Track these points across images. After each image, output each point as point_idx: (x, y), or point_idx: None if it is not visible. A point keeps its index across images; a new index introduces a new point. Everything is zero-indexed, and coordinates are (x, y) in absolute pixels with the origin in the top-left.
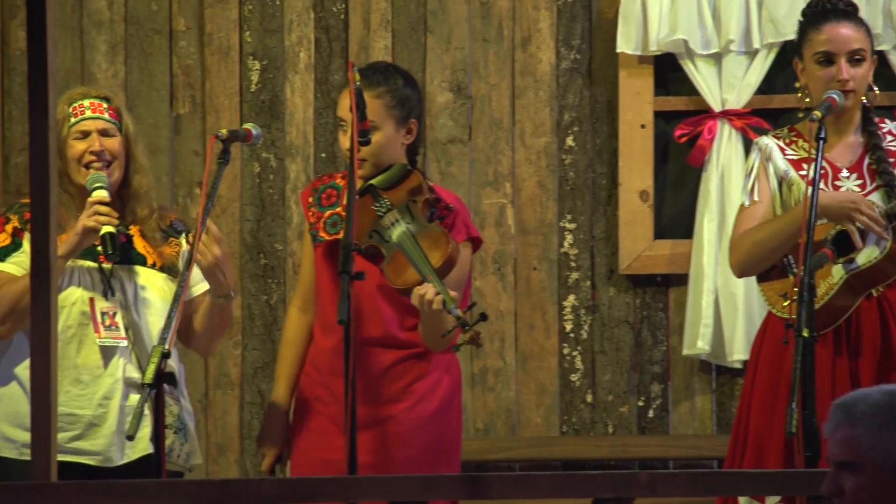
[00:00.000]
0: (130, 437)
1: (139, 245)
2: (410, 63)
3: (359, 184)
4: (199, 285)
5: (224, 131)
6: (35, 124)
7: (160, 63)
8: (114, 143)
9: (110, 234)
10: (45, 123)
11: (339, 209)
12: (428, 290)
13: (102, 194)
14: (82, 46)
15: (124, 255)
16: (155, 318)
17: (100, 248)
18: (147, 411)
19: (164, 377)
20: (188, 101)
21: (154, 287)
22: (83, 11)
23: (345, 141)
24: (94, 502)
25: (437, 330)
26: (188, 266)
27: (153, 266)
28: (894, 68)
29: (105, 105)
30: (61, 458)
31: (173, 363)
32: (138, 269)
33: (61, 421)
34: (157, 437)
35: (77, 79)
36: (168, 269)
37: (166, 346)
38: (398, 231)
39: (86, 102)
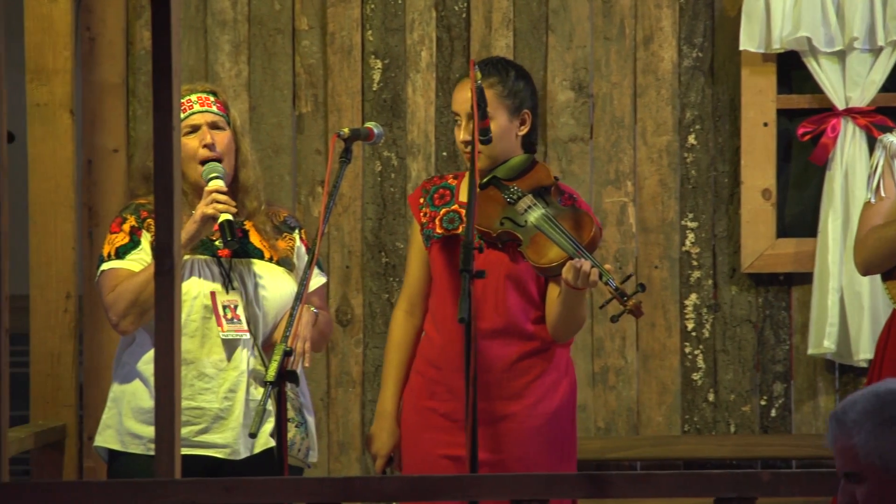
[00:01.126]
0: (253, 435)
1: (255, 239)
2: (532, 61)
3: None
4: (314, 280)
5: (346, 130)
6: (160, 124)
7: (283, 62)
8: (223, 137)
9: (228, 221)
10: (169, 123)
11: (455, 206)
12: (584, 263)
13: (219, 184)
14: (206, 46)
15: (242, 247)
16: (274, 311)
17: (218, 241)
18: (270, 406)
19: (286, 375)
20: (310, 101)
21: (273, 280)
22: (207, 11)
23: (459, 134)
24: (217, 499)
25: (577, 311)
26: (310, 264)
27: (270, 260)
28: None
29: (212, 98)
30: (188, 451)
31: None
32: (256, 262)
33: (188, 415)
34: (280, 434)
35: (201, 78)
36: (284, 262)
37: (288, 344)
38: (535, 214)
39: (193, 97)
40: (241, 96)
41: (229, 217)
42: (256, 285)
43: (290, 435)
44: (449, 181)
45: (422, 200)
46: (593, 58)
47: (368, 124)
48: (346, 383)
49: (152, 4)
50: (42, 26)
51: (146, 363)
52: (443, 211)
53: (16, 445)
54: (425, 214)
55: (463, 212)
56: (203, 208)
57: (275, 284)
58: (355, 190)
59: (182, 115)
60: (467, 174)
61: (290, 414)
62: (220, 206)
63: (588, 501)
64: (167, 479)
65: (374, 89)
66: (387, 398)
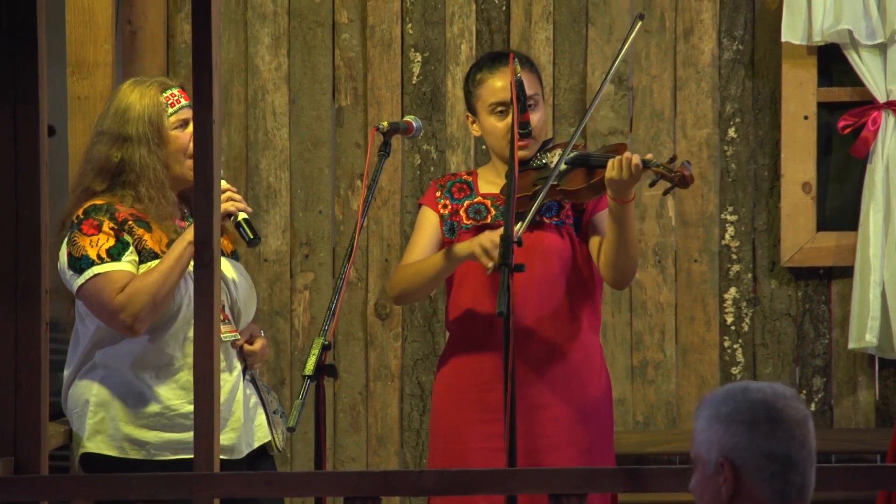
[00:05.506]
0: (291, 429)
1: None
2: (572, 54)
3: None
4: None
5: (385, 123)
6: (199, 116)
7: (323, 55)
8: None
9: (246, 219)
10: (209, 116)
11: (478, 198)
12: (626, 153)
13: (226, 184)
14: (246, 39)
15: None
16: (249, 306)
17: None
18: (255, 398)
19: (324, 369)
20: (350, 94)
21: (238, 276)
22: (247, 4)
23: (508, 124)
24: (257, 492)
25: (628, 233)
26: (348, 259)
27: (226, 255)
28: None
29: (180, 91)
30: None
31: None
32: (225, 262)
33: (192, 419)
34: (318, 429)
35: (241, 71)
36: (235, 255)
37: (326, 338)
38: (568, 157)
39: (175, 91)
40: (281, 89)
41: (246, 216)
42: (233, 283)
43: (279, 430)
44: (463, 177)
45: (438, 194)
46: (633, 51)
47: (408, 118)
48: (385, 377)
49: None
50: (83, 20)
51: (144, 367)
52: (466, 203)
53: (56, 439)
54: (445, 206)
55: (488, 202)
56: (223, 205)
57: (241, 279)
58: (394, 183)
59: (171, 109)
60: (480, 171)
61: (275, 406)
62: (238, 205)
63: (627, 495)
64: (207, 472)
65: (414, 82)
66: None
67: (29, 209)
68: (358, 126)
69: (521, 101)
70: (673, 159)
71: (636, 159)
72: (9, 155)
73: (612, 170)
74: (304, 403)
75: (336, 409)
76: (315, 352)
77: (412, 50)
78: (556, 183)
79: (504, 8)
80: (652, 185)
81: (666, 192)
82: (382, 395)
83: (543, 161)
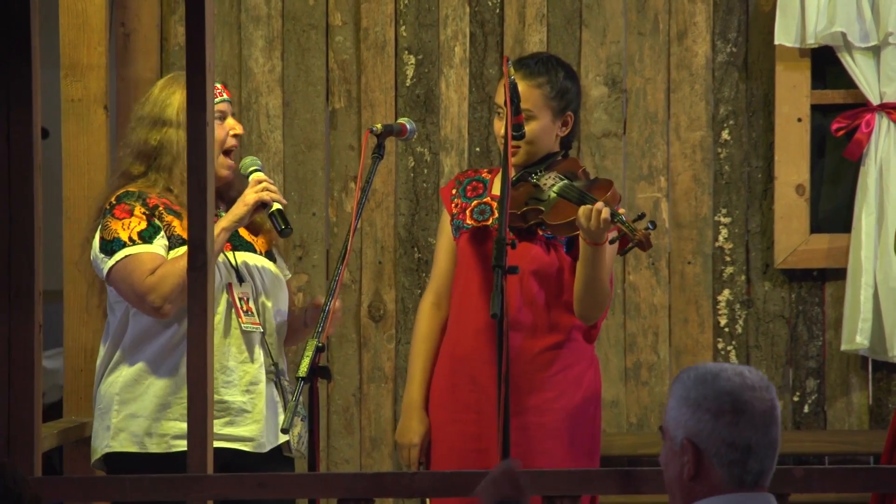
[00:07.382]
0: (285, 431)
1: (243, 232)
2: (565, 57)
3: (512, 172)
4: (287, 274)
5: (379, 126)
6: (193, 119)
7: (316, 58)
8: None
9: (279, 210)
10: (203, 118)
11: (486, 199)
12: (597, 204)
13: (262, 175)
14: (240, 41)
15: (237, 240)
16: (278, 302)
17: (247, 237)
18: (278, 398)
19: (318, 370)
20: (344, 96)
21: (269, 272)
22: (241, 7)
23: (500, 127)
24: (250, 494)
25: (598, 273)
26: (342, 261)
27: (259, 253)
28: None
29: (221, 87)
30: (215, 444)
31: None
32: (252, 255)
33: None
34: (311, 430)
35: (235, 74)
36: (270, 254)
37: (320, 340)
38: (559, 185)
39: (218, 85)
40: (275, 92)
41: (280, 207)
42: (261, 277)
43: (297, 430)
44: (483, 175)
45: (454, 192)
46: (627, 53)
47: (401, 120)
48: (379, 379)
49: (187, 0)
50: (77, 22)
51: (167, 357)
52: (474, 202)
53: (48, 441)
54: (456, 205)
55: (494, 204)
56: (258, 194)
57: (271, 276)
58: (388, 185)
59: None
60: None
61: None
62: (274, 195)
63: (620, 497)
64: (200, 474)
65: (408, 85)
66: (413, 390)
67: (22, 211)
68: (351, 128)
69: (514, 104)
70: (641, 216)
71: (605, 213)
72: (2, 157)
73: (581, 216)
74: (298, 405)
75: (329, 411)
76: (309, 354)
77: (406, 52)
78: (542, 209)
79: (498, 10)
80: (612, 242)
81: (623, 252)
82: (376, 397)
83: (542, 179)
